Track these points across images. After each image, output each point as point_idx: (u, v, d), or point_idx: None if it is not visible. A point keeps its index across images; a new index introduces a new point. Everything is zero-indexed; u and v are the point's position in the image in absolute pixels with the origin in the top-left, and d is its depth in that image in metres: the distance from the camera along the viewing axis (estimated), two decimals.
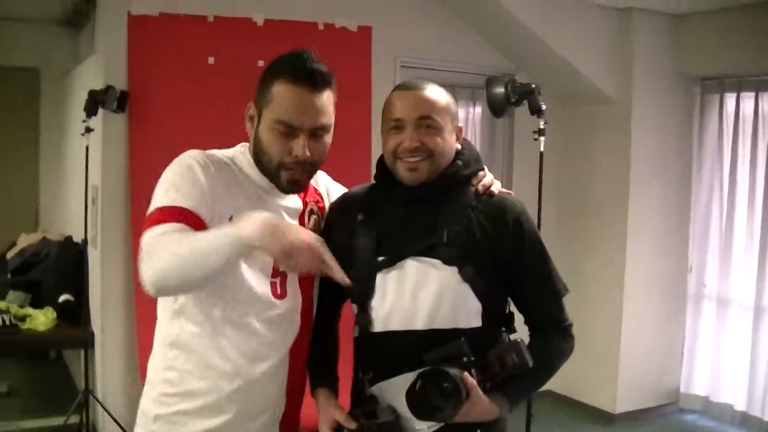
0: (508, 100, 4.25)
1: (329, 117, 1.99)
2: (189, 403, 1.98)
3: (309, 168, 2.00)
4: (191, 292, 1.92)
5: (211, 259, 1.71)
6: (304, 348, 2.11)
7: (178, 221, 1.82)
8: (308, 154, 1.94)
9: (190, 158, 1.95)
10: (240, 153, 2.07)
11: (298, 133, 1.93)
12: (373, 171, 2.11)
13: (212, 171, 1.94)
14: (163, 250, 1.76)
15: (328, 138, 2.02)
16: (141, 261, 1.78)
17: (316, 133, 1.96)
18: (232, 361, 1.97)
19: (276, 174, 1.98)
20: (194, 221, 1.84)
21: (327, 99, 1.97)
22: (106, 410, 4.63)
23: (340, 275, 1.79)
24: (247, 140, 2.10)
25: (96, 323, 4.86)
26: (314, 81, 1.93)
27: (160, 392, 2.03)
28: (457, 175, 2.01)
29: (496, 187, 2.05)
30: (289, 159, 1.95)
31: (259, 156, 2.01)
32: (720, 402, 5.75)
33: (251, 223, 1.70)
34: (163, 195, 1.89)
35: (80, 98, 4.85)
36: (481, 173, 2.06)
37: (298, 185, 2.03)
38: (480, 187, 2.02)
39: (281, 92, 1.93)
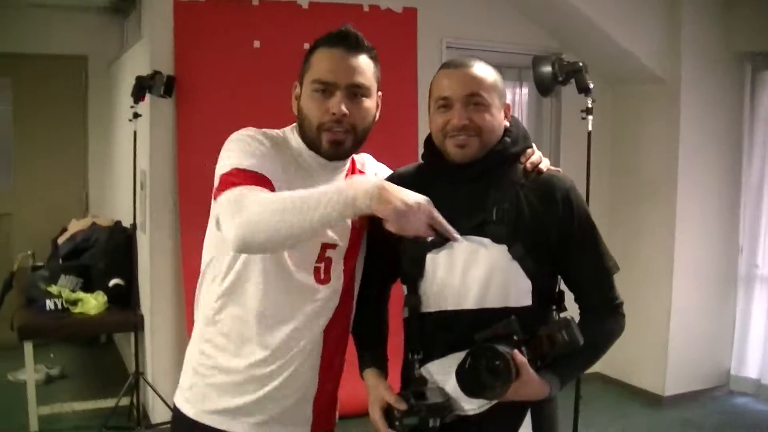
0: (555, 78, 4.20)
1: (366, 79, 1.98)
2: (222, 377, 2.01)
3: (350, 129, 1.97)
4: (278, 250, 1.90)
5: (314, 213, 1.68)
6: (338, 329, 2.10)
7: (258, 186, 1.80)
8: (345, 110, 1.93)
9: (257, 133, 1.97)
10: (290, 131, 2.08)
11: (335, 91, 1.94)
12: (420, 151, 2.10)
13: (271, 148, 1.96)
14: (255, 203, 1.74)
15: (369, 103, 2.01)
16: (226, 216, 1.77)
17: (353, 91, 1.96)
18: (267, 343, 1.99)
19: (317, 138, 1.97)
20: (271, 190, 1.83)
21: (363, 62, 1.98)
22: (156, 392, 4.70)
23: (452, 233, 1.82)
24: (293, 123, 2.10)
25: (146, 307, 4.92)
26: (348, 42, 1.96)
27: (198, 362, 2.07)
28: (505, 152, 1.98)
29: (545, 164, 2.02)
30: (327, 118, 1.94)
31: (302, 126, 2.01)
32: None
33: (358, 186, 1.68)
34: (240, 159, 1.87)
35: (128, 84, 4.90)
36: (529, 151, 2.04)
37: (340, 147, 1.98)
38: (528, 165, 2.00)
39: (318, 57, 1.98)
